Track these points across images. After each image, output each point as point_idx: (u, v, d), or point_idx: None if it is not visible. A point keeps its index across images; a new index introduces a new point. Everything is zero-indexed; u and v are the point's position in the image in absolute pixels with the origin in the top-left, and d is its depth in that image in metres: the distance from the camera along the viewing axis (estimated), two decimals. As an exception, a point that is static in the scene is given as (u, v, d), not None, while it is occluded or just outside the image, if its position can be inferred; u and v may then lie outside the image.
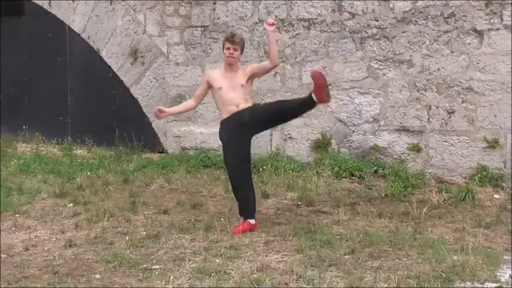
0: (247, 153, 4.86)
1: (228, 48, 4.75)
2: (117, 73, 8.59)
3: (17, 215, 5.17)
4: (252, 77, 4.93)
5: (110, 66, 8.65)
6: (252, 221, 4.75)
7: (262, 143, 7.22)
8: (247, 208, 4.79)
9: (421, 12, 6.25)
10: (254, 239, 4.48)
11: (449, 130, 6.21)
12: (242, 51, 4.88)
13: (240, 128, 4.72)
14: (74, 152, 8.24)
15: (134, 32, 8.41)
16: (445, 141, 6.23)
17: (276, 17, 7.03)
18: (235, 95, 4.75)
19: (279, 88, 7.10)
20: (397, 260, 4.02)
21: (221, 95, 4.80)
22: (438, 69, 6.22)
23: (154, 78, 8.29)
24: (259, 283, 3.59)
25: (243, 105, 4.76)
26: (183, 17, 7.68)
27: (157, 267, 3.88)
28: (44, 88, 9.31)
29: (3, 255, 4.14)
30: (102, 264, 3.95)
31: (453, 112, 6.18)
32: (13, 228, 4.81)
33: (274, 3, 7.05)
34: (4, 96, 9.80)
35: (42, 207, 5.53)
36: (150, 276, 3.73)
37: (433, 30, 6.20)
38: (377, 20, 6.49)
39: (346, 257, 4.07)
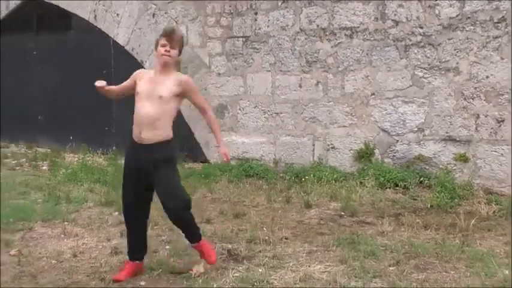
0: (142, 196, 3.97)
1: (164, 45, 3.89)
2: (160, 84, 8.73)
3: (65, 223, 5.31)
4: (183, 95, 4.10)
5: (153, 78, 8.80)
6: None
7: (304, 153, 7.19)
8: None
9: (469, 17, 6.09)
10: (297, 249, 4.45)
11: (499, 139, 6.01)
12: (180, 52, 4.06)
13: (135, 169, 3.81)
14: (119, 162, 8.41)
15: (177, 44, 8.55)
16: (495, 151, 6.03)
17: (317, 26, 7.02)
18: (148, 111, 3.85)
19: (321, 98, 7.06)
20: (444, 273, 3.90)
21: (136, 104, 3.93)
22: (487, 77, 6.04)
23: (196, 88, 8.39)
24: (303, 294, 3.56)
25: (147, 134, 3.85)
26: (225, 28, 7.77)
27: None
28: (90, 100, 9.56)
29: (53, 261, 4.27)
30: (147, 271, 4.00)
31: (503, 121, 5.98)
32: (62, 236, 4.95)
33: (315, 12, 7.03)
34: (52, 107, 10.14)
35: (88, 215, 5.66)
36: (194, 285, 3.75)
37: (482, 36, 6.03)
38: (422, 27, 6.38)
39: (390, 268, 3.98)
